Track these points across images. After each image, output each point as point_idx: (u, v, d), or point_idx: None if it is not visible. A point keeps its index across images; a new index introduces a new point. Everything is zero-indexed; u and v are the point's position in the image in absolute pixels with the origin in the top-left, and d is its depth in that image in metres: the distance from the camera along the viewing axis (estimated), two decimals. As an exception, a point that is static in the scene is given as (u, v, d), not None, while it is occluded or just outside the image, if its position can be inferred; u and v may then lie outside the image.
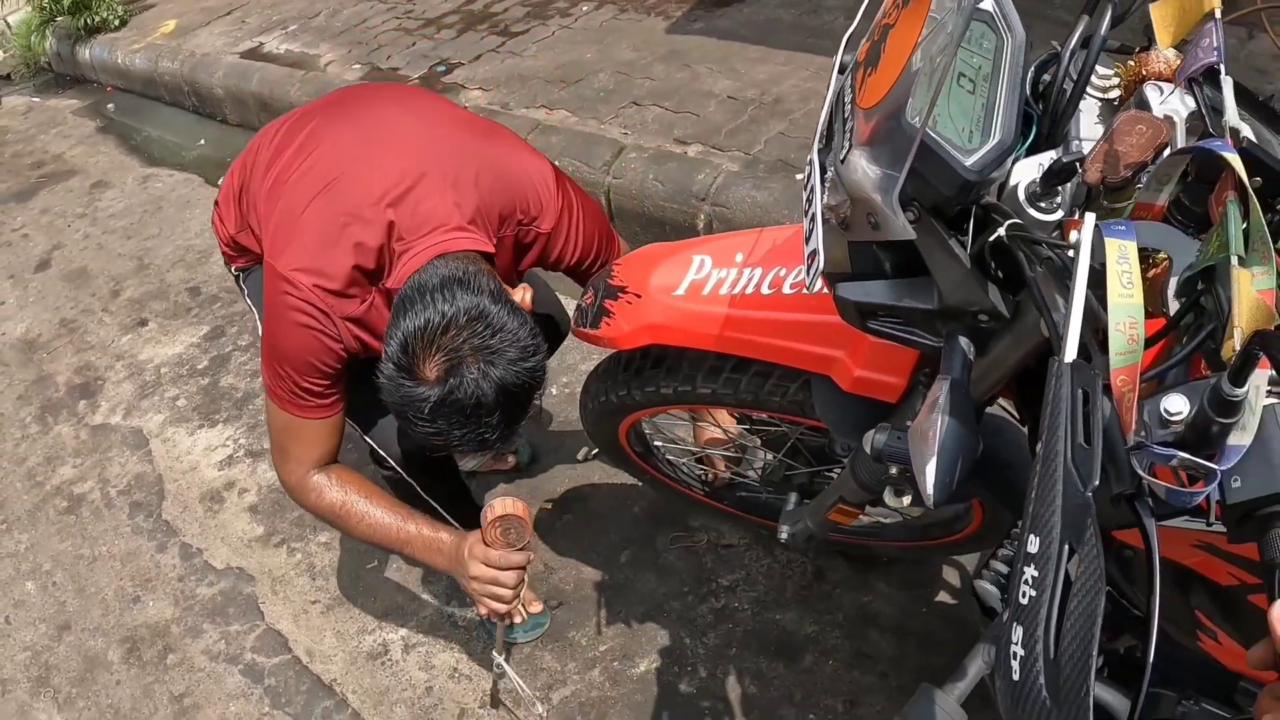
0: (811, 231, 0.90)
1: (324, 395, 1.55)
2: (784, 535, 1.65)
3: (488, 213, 1.48)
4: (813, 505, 1.57)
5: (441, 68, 3.92)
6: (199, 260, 3.64)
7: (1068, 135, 0.91)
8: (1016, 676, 0.64)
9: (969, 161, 0.81)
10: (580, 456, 2.39)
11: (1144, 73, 0.93)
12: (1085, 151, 0.84)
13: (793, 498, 1.72)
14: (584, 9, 4.12)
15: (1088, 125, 0.93)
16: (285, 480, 1.63)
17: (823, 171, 0.93)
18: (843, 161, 0.87)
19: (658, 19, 3.92)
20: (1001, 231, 0.82)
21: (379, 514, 1.59)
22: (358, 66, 4.21)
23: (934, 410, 0.88)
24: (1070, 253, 0.78)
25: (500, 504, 1.48)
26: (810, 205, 0.91)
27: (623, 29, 3.91)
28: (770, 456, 1.83)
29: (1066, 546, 0.65)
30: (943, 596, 1.97)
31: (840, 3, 3.73)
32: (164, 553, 2.43)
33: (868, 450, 1.06)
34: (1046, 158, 0.87)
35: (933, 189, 0.83)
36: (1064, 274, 0.80)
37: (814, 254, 0.89)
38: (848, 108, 0.91)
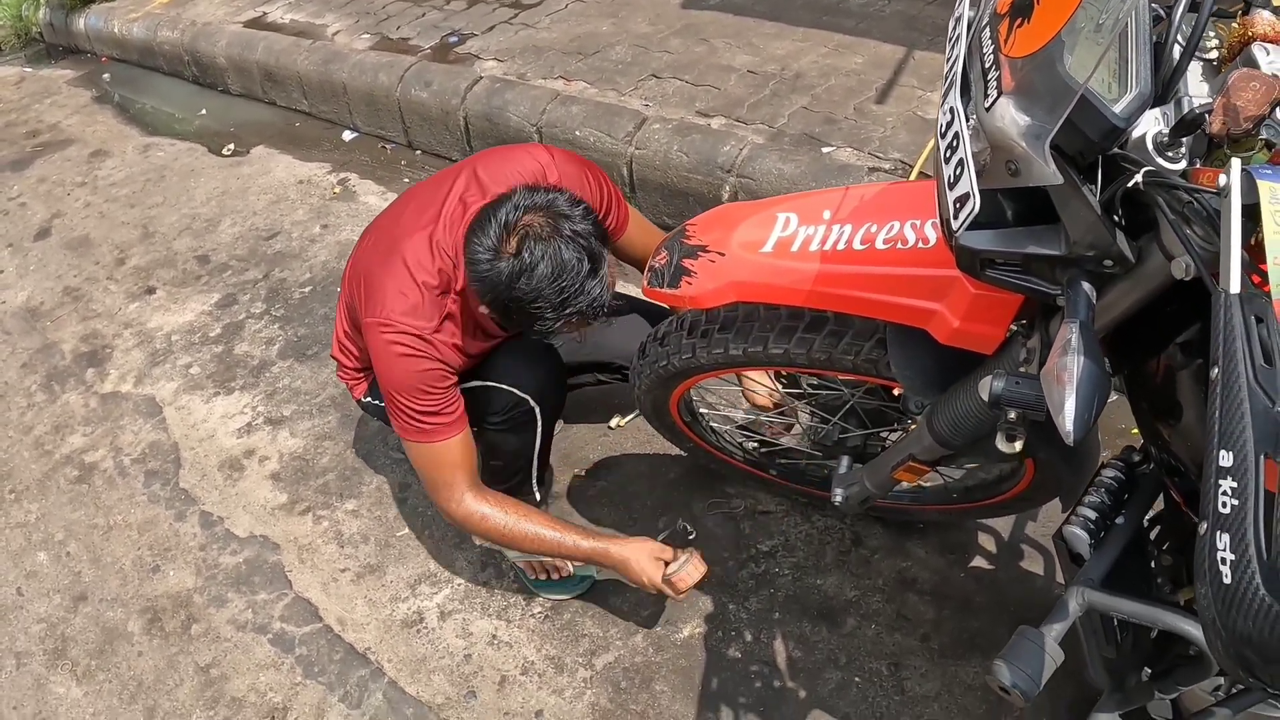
0: (959, 177, 0.90)
1: (443, 413, 1.71)
2: (838, 498, 1.64)
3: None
4: (873, 466, 1.57)
5: (454, 38, 3.87)
6: (206, 228, 3.58)
7: (1178, 93, 0.93)
8: (1228, 580, 0.68)
9: (1117, 109, 0.83)
10: (612, 424, 2.37)
11: (1249, 34, 0.94)
12: (1196, 106, 0.88)
13: (845, 461, 1.72)
14: (596, -18, 4.08)
15: (1193, 84, 0.95)
16: (447, 512, 1.78)
17: (965, 118, 0.93)
18: (988, 109, 0.87)
19: (671, -7, 3.90)
20: (1139, 178, 0.85)
21: (543, 532, 1.76)
22: (366, 36, 4.15)
23: (1067, 351, 0.88)
24: (1209, 196, 0.82)
25: (694, 573, 1.74)
26: (954, 151, 0.91)
27: (636, 3, 3.87)
28: (820, 421, 1.83)
29: (1262, 457, 0.69)
30: (979, 561, 1.97)
31: (854, -20, 3.72)
32: (183, 521, 2.39)
33: (984, 397, 1.05)
34: (1160, 112, 0.90)
35: (1079, 136, 0.85)
36: (1201, 217, 0.83)
37: (964, 198, 0.88)
38: (989, 57, 0.92)
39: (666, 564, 1.75)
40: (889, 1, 3.53)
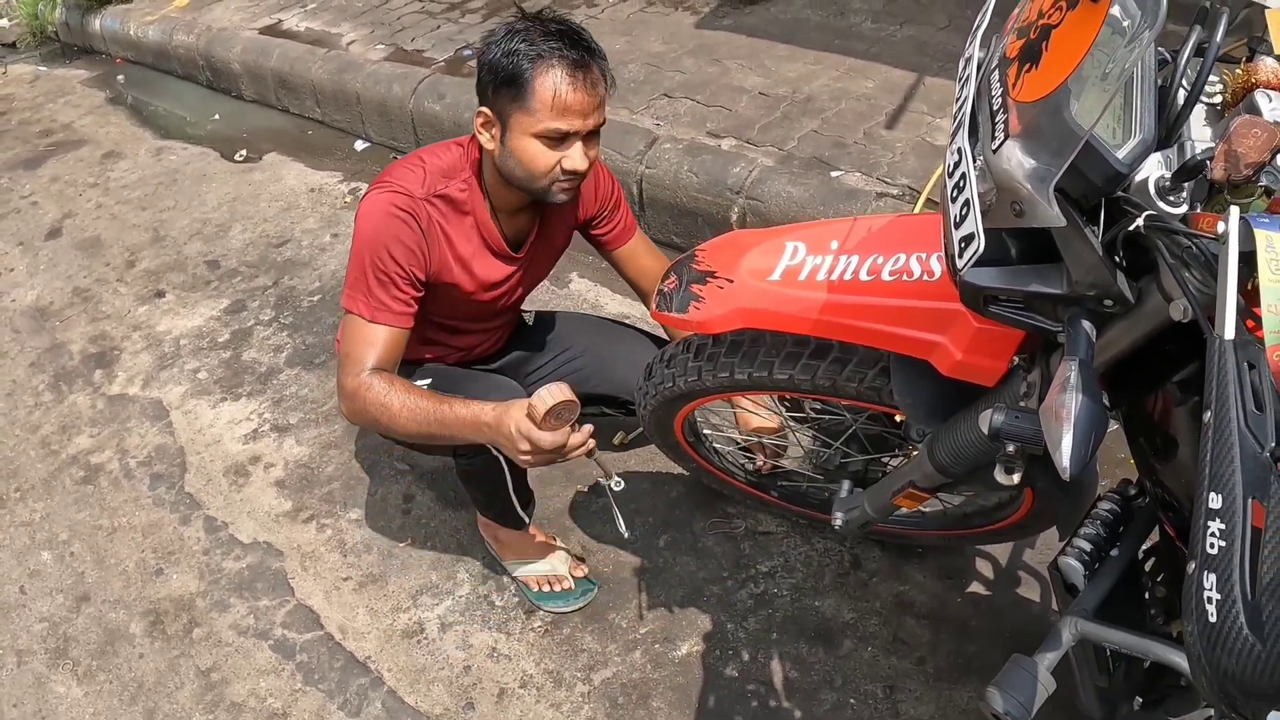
0: (965, 216, 0.92)
1: (394, 301, 1.69)
2: (839, 522, 1.66)
3: None
4: (873, 491, 1.59)
5: (468, 52, 3.91)
6: (217, 234, 3.61)
7: (1181, 137, 0.95)
8: (1214, 619, 0.70)
9: (1120, 155, 0.86)
10: (616, 441, 2.39)
11: (1253, 81, 0.97)
12: (1199, 151, 0.91)
13: (846, 485, 1.74)
14: (610, 0, 4.12)
15: (1196, 128, 0.98)
16: (342, 385, 1.69)
17: (973, 159, 0.95)
18: (994, 151, 0.90)
19: (685, 13, 3.93)
20: (1140, 221, 0.87)
21: (420, 401, 1.63)
22: (381, 47, 4.19)
23: (1066, 389, 0.90)
24: (1207, 242, 0.84)
25: (549, 394, 1.47)
26: (960, 191, 0.94)
27: (650, 22, 3.92)
28: (822, 445, 1.85)
29: (1250, 500, 0.71)
30: (976, 586, 1.99)
31: (866, 6, 3.76)
32: (187, 525, 2.41)
33: (984, 430, 1.08)
34: (1163, 156, 0.92)
35: (1083, 180, 0.88)
36: (1200, 261, 0.85)
37: (969, 237, 0.91)
38: (997, 100, 0.94)
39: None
40: (901, 26, 3.57)
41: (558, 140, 1.58)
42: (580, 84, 1.54)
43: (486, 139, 1.65)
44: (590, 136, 1.61)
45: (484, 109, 1.63)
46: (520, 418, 1.51)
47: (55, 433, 2.79)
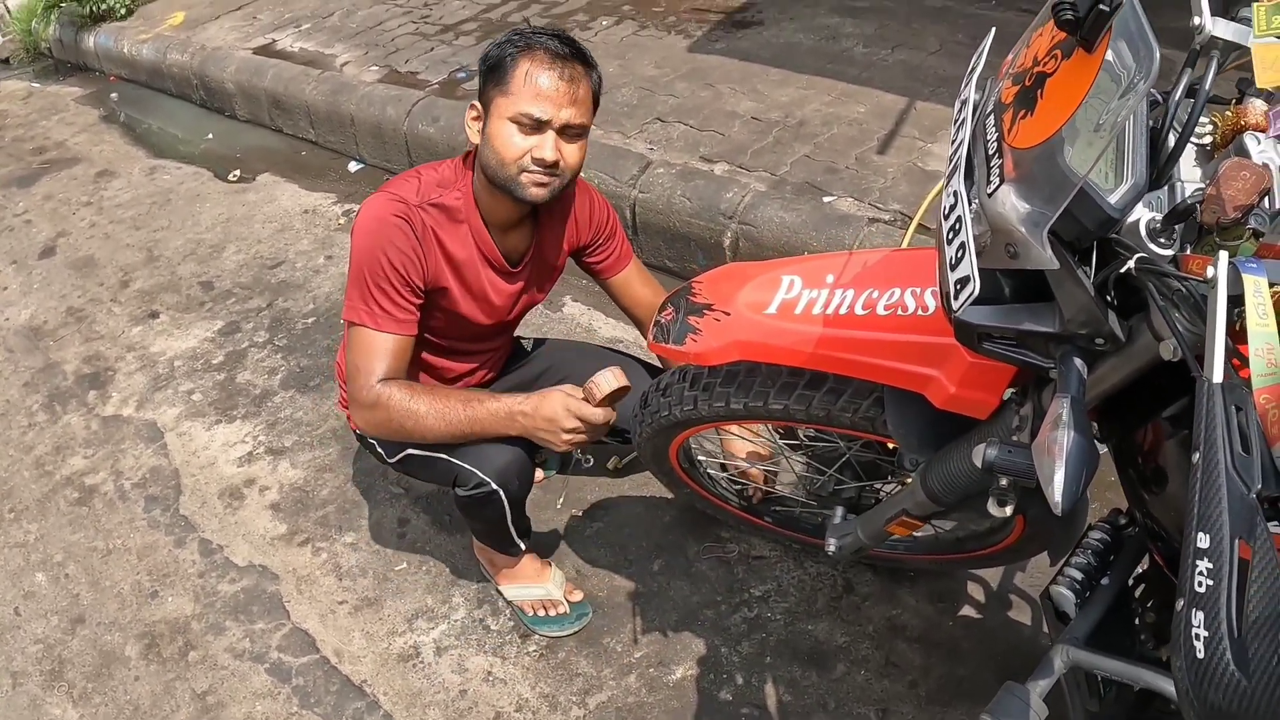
0: (960, 259, 0.95)
1: (398, 308, 1.70)
2: (832, 548, 1.68)
3: None
4: (866, 518, 1.61)
5: (462, 74, 3.94)
6: (211, 255, 3.62)
7: (1171, 178, 0.98)
8: (1201, 655, 0.72)
9: (1113, 200, 0.89)
10: (610, 465, 2.41)
11: (1242, 123, 0.99)
12: (1188, 193, 0.93)
13: (839, 511, 1.75)
14: (603, 24, 4.16)
15: (1186, 168, 1.00)
16: (356, 398, 1.71)
17: (968, 202, 0.98)
18: (990, 195, 0.92)
19: (678, 37, 3.97)
20: (1131, 264, 0.89)
21: (446, 403, 1.69)
22: (375, 68, 4.22)
23: (1058, 426, 0.92)
24: (1197, 283, 0.86)
25: (612, 377, 1.63)
26: (956, 234, 0.97)
27: (644, 45, 3.95)
28: (815, 471, 1.87)
29: (1237, 540, 0.73)
30: (967, 610, 2.01)
31: (858, 31, 3.80)
32: (182, 548, 2.41)
33: (978, 463, 1.10)
34: (1154, 198, 0.95)
35: (1076, 224, 0.90)
36: (1189, 303, 0.87)
37: (965, 280, 0.93)
38: (993, 145, 0.97)
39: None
40: (892, 51, 3.61)
41: (532, 128, 1.60)
42: (559, 73, 1.58)
43: (473, 132, 1.69)
44: (569, 134, 1.63)
45: (474, 103, 1.68)
46: (567, 400, 1.65)
47: (49, 453, 2.79)
